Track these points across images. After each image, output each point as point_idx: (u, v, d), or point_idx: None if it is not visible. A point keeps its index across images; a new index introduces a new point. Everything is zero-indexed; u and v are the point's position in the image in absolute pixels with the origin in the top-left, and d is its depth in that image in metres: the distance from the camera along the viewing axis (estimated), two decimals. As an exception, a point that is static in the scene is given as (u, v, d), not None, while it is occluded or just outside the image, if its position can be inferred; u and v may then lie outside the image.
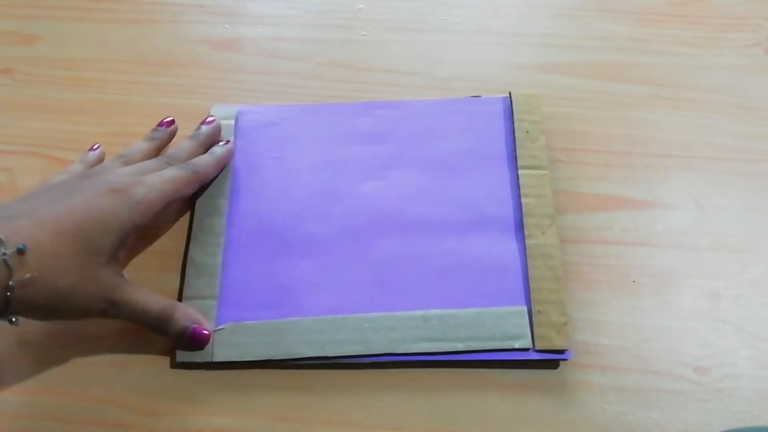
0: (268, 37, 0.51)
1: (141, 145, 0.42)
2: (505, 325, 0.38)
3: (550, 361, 0.38)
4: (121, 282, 0.36)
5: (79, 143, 0.46)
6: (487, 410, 0.37)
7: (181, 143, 0.43)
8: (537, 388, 0.38)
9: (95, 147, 0.43)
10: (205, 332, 0.38)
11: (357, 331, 0.38)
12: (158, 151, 0.43)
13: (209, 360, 0.38)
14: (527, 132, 0.44)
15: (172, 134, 0.44)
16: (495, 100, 0.46)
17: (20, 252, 0.31)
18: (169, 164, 0.40)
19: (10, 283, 0.31)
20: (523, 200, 0.42)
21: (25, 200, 0.35)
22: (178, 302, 0.38)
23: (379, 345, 0.38)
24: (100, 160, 0.43)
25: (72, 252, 0.33)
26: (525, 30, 0.51)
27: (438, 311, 0.39)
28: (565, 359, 0.38)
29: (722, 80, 0.48)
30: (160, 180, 0.38)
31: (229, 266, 0.41)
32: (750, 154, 0.45)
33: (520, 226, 0.41)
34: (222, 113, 0.46)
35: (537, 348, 0.38)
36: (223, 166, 0.44)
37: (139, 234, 0.39)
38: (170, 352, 0.39)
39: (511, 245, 0.41)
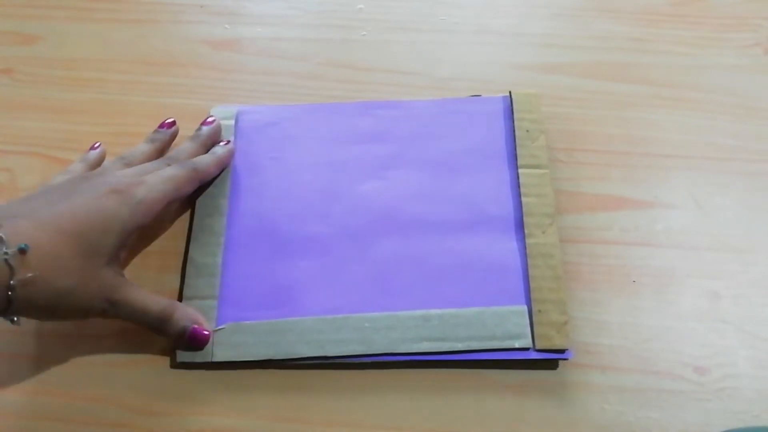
0: (268, 37, 0.51)
1: (142, 147, 0.42)
2: (506, 324, 0.38)
3: (550, 360, 0.38)
4: (122, 282, 0.36)
5: (79, 143, 0.46)
6: (487, 410, 0.37)
7: (181, 145, 0.43)
8: (537, 388, 0.38)
9: (96, 146, 0.43)
10: (205, 332, 0.38)
11: (357, 330, 0.38)
12: (159, 152, 0.43)
13: (209, 360, 0.38)
14: (527, 131, 0.44)
15: (173, 136, 0.44)
16: (495, 100, 0.46)
17: (22, 252, 0.31)
18: (169, 165, 0.40)
19: (12, 282, 0.31)
20: (524, 199, 0.42)
21: (26, 201, 0.35)
22: (177, 302, 0.38)
23: (379, 345, 0.38)
24: (101, 159, 0.43)
25: (73, 252, 0.33)
26: (525, 30, 0.51)
27: (438, 311, 0.39)
28: (565, 359, 0.38)
29: (722, 80, 0.48)
30: (160, 179, 0.38)
31: (229, 266, 0.41)
32: (750, 154, 0.45)
33: (520, 226, 0.41)
34: (222, 113, 0.46)
35: (537, 347, 0.38)
36: (224, 166, 0.44)
37: (139, 234, 0.39)
38: (170, 352, 0.39)
39: (512, 244, 0.41)
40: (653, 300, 0.40)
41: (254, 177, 0.44)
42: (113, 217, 0.35)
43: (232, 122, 0.46)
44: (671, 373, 0.38)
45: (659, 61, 0.49)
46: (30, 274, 0.31)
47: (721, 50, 0.50)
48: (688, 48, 0.50)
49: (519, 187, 0.42)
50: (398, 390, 0.38)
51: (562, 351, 0.38)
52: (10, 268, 0.31)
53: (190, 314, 0.38)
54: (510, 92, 0.46)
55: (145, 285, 0.38)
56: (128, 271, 0.41)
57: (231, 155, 0.44)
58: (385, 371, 0.38)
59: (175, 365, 0.38)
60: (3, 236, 0.31)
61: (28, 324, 0.40)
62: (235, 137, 0.45)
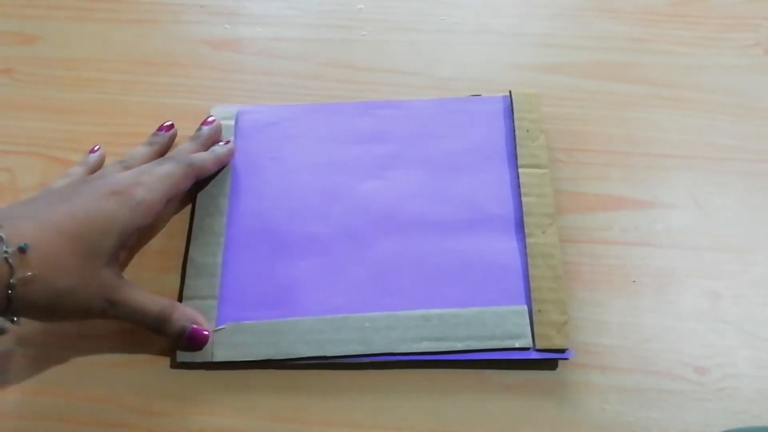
0: (268, 37, 0.51)
1: (141, 150, 0.42)
2: (506, 324, 0.38)
3: (550, 360, 0.38)
4: (122, 283, 0.36)
5: (79, 143, 0.46)
6: (487, 410, 0.37)
7: (181, 144, 0.43)
8: (537, 388, 0.38)
9: (95, 149, 0.43)
10: (205, 332, 0.38)
11: (357, 330, 0.38)
12: (158, 155, 0.43)
13: (209, 360, 0.38)
14: (527, 131, 0.44)
15: (172, 138, 0.44)
16: (495, 99, 0.46)
17: (21, 251, 0.31)
18: (166, 161, 0.40)
19: (12, 281, 0.31)
20: (524, 199, 0.42)
21: (27, 203, 0.36)
22: (177, 302, 0.38)
23: (379, 344, 0.38)
24: (101, 162, 0.44)
25: (73, 253, 0.33)
26: (525, 30, 0.51)
27: (438, 310, 0.39)
28: (565, 359, 0.38)
29: (722, 80, 0.48)
30: (157, 179, 0.38)
31: (229, 266, 0.41)
32: (750, 154, 0.45)
33: (520, 225, 0.41)
34: (222, 113, 0.46)
35: (537, 347, 0.38)
36: (222, 164, 0.44)
37: (138, 234, 0.40)
38: (170, 352, 0.39)
39: (512, 244, 0.41)
40: (653, 300, 0.40)
41: (254, 177, 0.44)
42: (113, 218, 0.35)
43: (232, 122, 0.46)
44: (671, 373, 0.38)
45: (659, 61, 0.49)
46: (30, 273, 0.32)
47: (721, 50, 0.50)
48: (688, 48, 0.50)
49: (519, 186, 0.42)
50: (398, 390, 0.38)
51: (562, 351, 0.38)
52: (10, 267, 0.31)
53: (189, 314, 0.38)
54: (510, 92, 0.46)
55: (145, 285, 0.38)
56: (128, 271, 0.41)
57: (230, 154, 0.44)
58: (385, 371, 0.38)
59: (175, 365, 0.38)
60: (3, 236, 0.31)
61: (27, 324, 0.40)
62: (235, 137, 0.45)
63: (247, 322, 0.39)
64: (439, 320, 0.39)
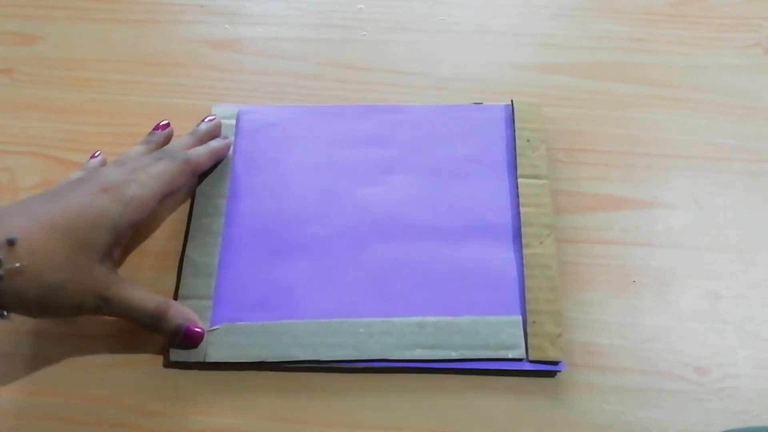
0: (268, 37, 0.51)
1: (137, 149, 0.42)
2: (500, 334, 0.38)
3: (545, 371, 0.38)
4: (115, 279, 0.36)
5: (79, 143, 0.46)
6: (486, 411, 0.37)
7: (178, 139, 0.43)
8: (537, 388, 0.38)
9: (96, 155, 0.43)
10: (199, 330, 0.38)
11: (352, 335, 0.38)
12: None
13: (202, 360, 0.38)
14: (528, 140, 0.44)
15: (168, 137, 0.44)
16: (497, 108, 0.46)
17: (10, 243, 0.31)
18: (161, 159, 0.40)
19: (0, 272, 0.31)
20: (522, 209, 0.42)
21: (21, 201, 0.36)
22: (172, 300, 0.38)
23: (373, 350, 0.38)
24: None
25: (64, 247, 0.34)
26: (525, 30, 0.51)
27: (433, 318, 0.39)
28: (558, 371, 0.38)
29: (722, 80, 0.48)
30: (151, 176, 0.38)
31: (226, 266, 0.41)
32: (750, 154, 0.45)
33: (518, 235, 0.41)
34: (223, 113, 0.46)
35: (530, 359, 0.38)
36: (218, 159, 0.44)
37: (134, 231, 0.40)
38: (166, 352, 0.39)
39: (509, 254, 0.41)
40: (653, 300, 0.40)
41: (254, 177, 0.44)
42: (105, 214, 0.35)
43: (233, 122, 0.46)
44: (671, 373, 0.38)
45: (659, 61, 0.49)
46: (18, 265, 0.32)
47: (721, 50, 0.50)
48: (688, 48, 0.50)
49: (518, 196, 0.42)
50: (398, 390, 0.38)
51: (555, 363, 0.38)
52: None
53: (184, 312, 0.38)
54: (512, 101, 0.46)
55: (142, 285, 0.38)
56: (126, 271, 0.41)
57: (227, 148, 0.44)
58: (384, 372, 0.38)
59: (168, 365, 0.38)
60: None
61: (27, 324, 0.40)
62: (236, 137, 0.45)
63: (242, 323, 0.39)
64: (433, 328, 0.39)
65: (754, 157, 0.45)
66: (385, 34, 0.51)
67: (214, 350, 0.38)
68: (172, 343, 0.38)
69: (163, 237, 0.43)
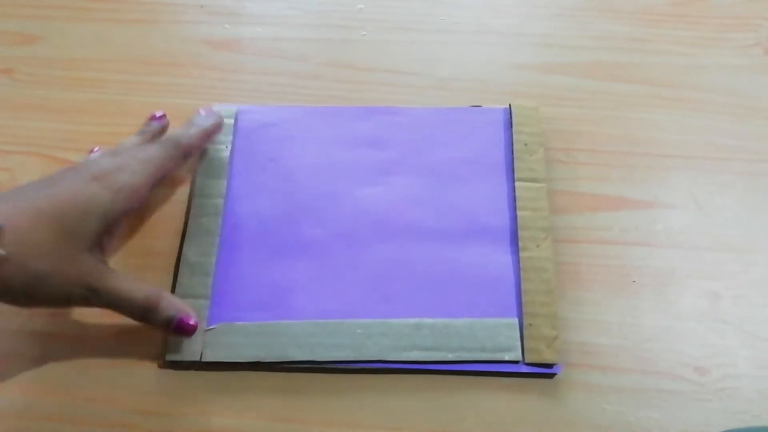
0: (268, 37, 0.51)
1: (132, 139, 0.42)
2: (497, 336, 0.38)
3: (542, 373, 0.38)
4: (104, 269, 0.36)
5: (79, 143, 0.46)
6: (486, 411, 0.37)
7: (173, 130, 0.43)
8: (537, 388, 0.38)
9: (95, 150, 0.43)
10: (192, 323, 0.37)
11: (349, 336, 0.38)
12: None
13: (199, 360, 0.38)
14: (526, 144, 0.44)
15: (164, 128, 0.44)
16: (496, 111, 0.46)
17: None
18: (152, 144, 0.40)
19: None
20: (519, 213, 0.42)
21: (10, 189, 0.35)
22: (164, 291, 0.37)
23: (370, 351, 0.38)
24: None
25: (50, 235, 0.33)
26: (525, 30, 0.51)
27: (430, 320, 0.39)
28: (554, 373, 0.38)
29: (722, 80, 0.48)
30: (141, 161, 0.37)
31: (223, 266, 0.41)
32: (750, 154, 0.45)
33: (514, 238, 0.41)
34: (222, 112, 0.46)
35: (527, 361, 0.38)
36: (209, 138, 0.43)
37: (128, 222, 0.39)
38: (162, 353, 0.39)
39: (506, 257, 0.41)
40: (653, 300, 0.40)
41: (252, 177, 0.44)
42: (93, 202, 0.35)
43: (232, 121, 0.46)
44: (671, 373, 0.38)
45: (659, 61, 0.49)
46: (2, 252, 0.31)
47: (721, 50, 0.50)
48: (688, 48, 0.50)
49: (515, 200, 0.42)
50: (398, 390, 0.38)
51: (551, 365, 0.38)
52: None
53: (175, 304, 0.37)
54: (510, 105, 0.46)
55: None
56: (122, 270, 0.41)
57: (218, 126, 0.44)
58: (383, 372, 0.38)
59: (166, 365, 0.38)
60: None
61: (27, 324, 0.40)
62: (235, 136, 0.45)
63: (239, 323, 0.39)
64: (430, 330, 0.39)
65: (754, 157, 0.45)
66: (385, 34, 0.51)
67: (210, 350, 0.38)
68: (166, 334, 0.38)
69: (161, 236, 0.43)
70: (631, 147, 0.46)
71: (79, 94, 0.48)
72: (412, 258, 0.41)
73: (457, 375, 0.38)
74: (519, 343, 0.38)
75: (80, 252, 0.34)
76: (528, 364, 0.38)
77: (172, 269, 0.41)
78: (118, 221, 0.37)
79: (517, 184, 0.43)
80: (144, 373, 0.39)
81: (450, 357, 0.38)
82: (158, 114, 0.44)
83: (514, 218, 0.42)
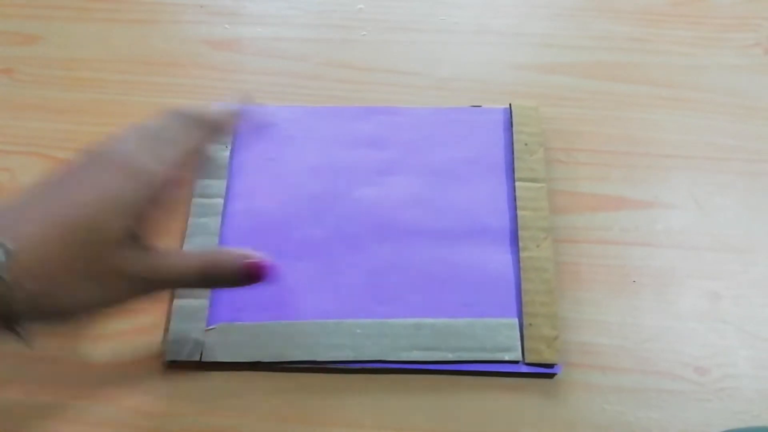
0: (268, 37, 0.51)
1: (163, 121, 0.36)
2: (497, 336, 0.38)
3: (542, 373, 0.38)
4: (143, 257, 0.32)
5: (79, 143, 0.46)
6: (486, 410, 0.37)
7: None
8: (537, 388, 0.38)
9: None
10: (263, 264, 0.33)
11: (349, 336, 0.38)
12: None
13: (198, 359, 0.38)
14: (526, 144, 0.44)
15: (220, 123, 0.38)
16: (496, 111, 0.46)
17: (10, 253, 0.28)
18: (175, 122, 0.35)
19: (8, 294, 0.28)
20: (519, 213, 0.42)
21: (22, 198, 0.32)
22: (216, 251, 0.34)
23: (370, 351, 0.38)
24: None
25: (73, 249, 0.30)
26: (525, 30, 0.51)
27: (430, 320, 0.39)
28: (554, 373, 0.38)
29: (722, 80, 0.48)
30: (171, 144, 0.34)
31: None
32: (750, 154, 0.45)
33: (515, 238, 0.41)
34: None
35: (527, 361, 0.38)
36: (237, 119, 0.38)
37: (165, 204, 0.34)
38: (162, 353, 0.39)
39: (506, 257, 0.41)
40: (653, 300, 0.40)
41: (251, 177, 0.44)
42: (118, 197, 0.31)
43: (232, 122, 0.46)
44: (671, 373, 0.38)
45: (659, 61, 0.49)
46: (30, 286, 0.29)
47: (721, 50, 0.50)
48: (688, 48, 0.50)
49: (516, 200, 0.42)
50: (398, 390, 0.38)
51: (551, 365, 0.38)
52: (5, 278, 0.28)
53: (235, 256, 0.33)
54: (510, 105, 0.46)
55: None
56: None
57: (241, 116, 0.39)
58: (383, 372, 0.38)
59: (164, 365, 0.38)
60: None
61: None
62: (235, 136, 0.45)
63: (239, 323, 0.39)
64: (430, 330, 0.39)
65: (754, 157, 0.45)
66: (385, 34, 0.51)
67: (210, 350, 0.38)
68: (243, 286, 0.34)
69: (161, 236, 0.43)
70: (631, 147, 0.46)
71: (79, 94, 0.48)
72: (412, 258, 0.41)
73: (457, 375, 0.38)
74: (519, 343, 0.38)
75: (111, 251, 0.31)
76: (528, 364, 0.38)
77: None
78: (149, 209, 0.33)
79: (517, 184, 0.43)
80: (144, 373, 0.39)
81: (450, 357, 0.38)
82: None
83: (514, 218, 0.42)
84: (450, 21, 0.52)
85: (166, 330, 0.39)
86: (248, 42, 0.51)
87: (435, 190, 0.43)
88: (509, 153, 0.44)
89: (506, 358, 0.38)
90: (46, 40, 0.51)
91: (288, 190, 0.43)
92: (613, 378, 0.38)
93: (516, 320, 0.39)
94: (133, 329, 0.38)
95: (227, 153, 0.44)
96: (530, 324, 0.38)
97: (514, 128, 0.45)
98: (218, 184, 0.43)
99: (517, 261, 0.41)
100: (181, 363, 0.38)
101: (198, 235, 0.41)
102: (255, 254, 0.33)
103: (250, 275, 0.33)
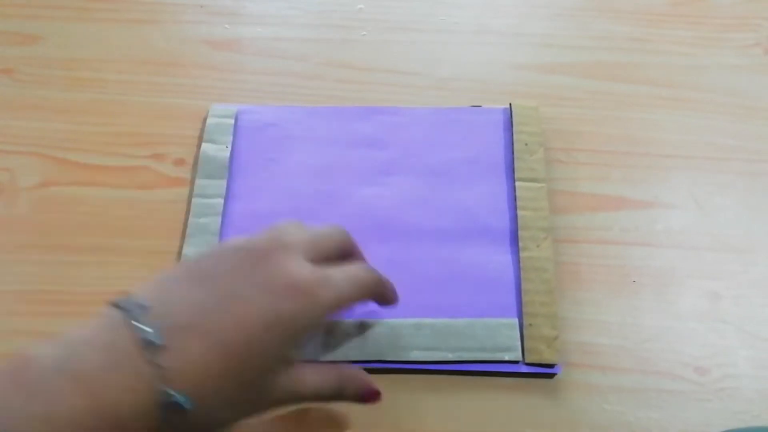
0: (268, 37, 0.51)
1: (324, 238, 0.34)
2: (496, 336, 0.38)
3: (542, 373, 0.38)
4: (291, 377, 0.31)
5: (79, 143, 0.46)
6: (486, 410, 0.37)
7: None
8: (536, 388, 0.38)
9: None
10: (377, 390, 0.34)
11: (348, 336, 0.38)
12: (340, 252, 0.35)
13: None
14: (526, 144, 0.44)
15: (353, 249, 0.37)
16: (496, 111, 0.46)
17: (180, 403, 0.27)
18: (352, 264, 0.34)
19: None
20: (519, 213, 0.42)
21: (187, 297, 0.29)
22: (343, 370, 0.34)
23: (370, 351, 0.38)
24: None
25: (239, 377, 0.29)
26: (525, 30, 0.51)
27: (430, 320, 0.39)
28: (554, 373, 0.38)
29: (722, 80, 0.48)
30: (346, 279, 0.32)
31: None
32: (750, 154, 0.45)
33: (515, 238, 0.41)
34: (221, 112, 0.46)
35: (527, 361, 0.38)
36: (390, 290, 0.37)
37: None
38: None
39: (506, 257, 0.41)
40: (653, 300, 0.40)
41: (251, 178, 0.44)
42: (288, 327, 0.29)
43: (232, 121, 0.46)
44: (671, 373, 0.38)
45: (659, 61, 0.49)
46: (186, 405, 0.27)
47: (721, 50, 0.50)
48: (688, 48, 0.50)
49: (516, 200, 0.42)
50: (398, 390, 0.38)
51: (551, 366, 0.38)
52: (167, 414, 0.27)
53: (360, 381, 0.34)
54: (510, 104, 0.46)
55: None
56: (123, 270, 0.41)
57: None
58: (383, 372, 0.38)
59: None
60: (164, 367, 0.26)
61: (28, 324, 0.40)
62: (235, 136, 0.45)
63: None
64: (430, 330, 0.38)
65: (754, 157, 0.45)
66: (385, 34, 0.51)
67: None
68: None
69: (161, 237, 0.43)
70: (631, 147, 0.46)
71: (79, 94, 0.48)
72: (411, 258, 0.41)
73: (457, 375, 0.38)
74: (519, 343, 0.38)
75: (268, 378, 0.30)
76: (528, 364, 0.38)
77: (172, 269, 0.41)
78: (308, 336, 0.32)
79: (517, 183, 0.43)
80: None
81: (450, 357, 0.38)
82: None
83: (514, 218, 0.42)
84: (450, 21, 0.52)
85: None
86: (248, 42, 0.51)
87: (435, 190, 0.43)
88: (509, 153, 0.44)
89: (506, 358, 0.38)
90: (46, 40, 0.51)
91: (288, 190, 0.43)
92: (613, 378, 0.38)
93: (516, 320, 0.39)
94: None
95: (227, 153, 0.44)
96: (530, 324, 0.38)
97: (514, 128, 0.45)
98: (218, 184, 0.43)
99: (517, 261, 0.41)
100: None
101: (198, 235, 0.41)
102: (371, 381, 0.34)
103: (365, 399, 0.34)
